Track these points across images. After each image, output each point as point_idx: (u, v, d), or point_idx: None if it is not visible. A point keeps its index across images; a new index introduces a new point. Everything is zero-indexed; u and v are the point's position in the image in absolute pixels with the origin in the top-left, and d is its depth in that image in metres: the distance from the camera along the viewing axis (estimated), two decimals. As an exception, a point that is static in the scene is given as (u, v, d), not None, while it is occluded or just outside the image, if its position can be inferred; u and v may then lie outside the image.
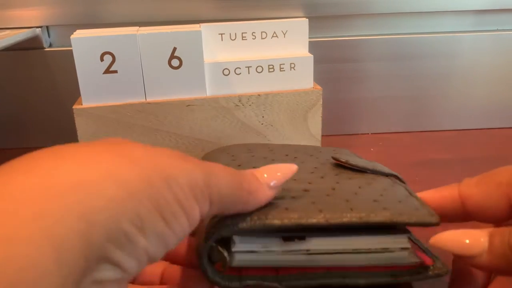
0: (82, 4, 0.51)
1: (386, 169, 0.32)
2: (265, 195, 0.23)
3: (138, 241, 0.17)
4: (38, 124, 0.54)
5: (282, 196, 0.25)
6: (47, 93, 0.53)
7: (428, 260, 0.25)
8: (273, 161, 0.33)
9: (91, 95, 0.42)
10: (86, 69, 0.42)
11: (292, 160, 0.34)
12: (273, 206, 0.24)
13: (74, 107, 0.42)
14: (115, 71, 0.42)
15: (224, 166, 0.21)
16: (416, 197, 0.27)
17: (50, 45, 0.53)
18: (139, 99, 0.43)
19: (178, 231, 0.18)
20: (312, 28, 0.52)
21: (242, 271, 0.25)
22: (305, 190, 0.27)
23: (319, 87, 0.45)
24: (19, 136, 0.55)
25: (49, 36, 0.53)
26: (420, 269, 0.26)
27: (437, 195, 0.27)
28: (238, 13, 0.52)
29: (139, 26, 0.45)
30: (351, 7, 0.53)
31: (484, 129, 0.57)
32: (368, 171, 0.31)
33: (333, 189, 0.27)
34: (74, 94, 0.44)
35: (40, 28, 0.51)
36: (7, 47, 0.45)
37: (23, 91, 0.53)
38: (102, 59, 0.42)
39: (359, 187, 0.28)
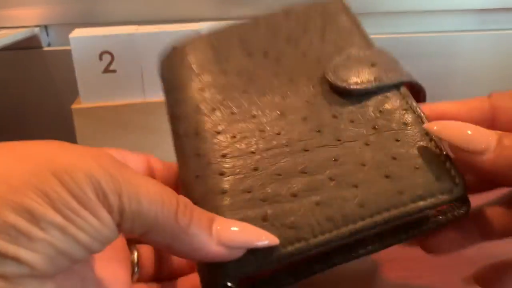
0: (80, 3, 0.50)
1: (393, 72, 0.26)
2: (206, 247, 0.20)
3: (33, 234, 0.16)
4: (36, 124, 0.54)
5: (274, 193, 0.22)
6: (45, 93, 0.53)
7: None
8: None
9: (89, 95, 0.42)
10: (85, 69, 0.41)
11: (279, 84, 0.27)
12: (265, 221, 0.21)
13: (72, 106, 0.42)
14: (114, 71, 0.42)
15: (160, 185, 0.20)
16: (438, 149, 0.22)
17: (49, 45, 0.53)
18: (138, 99, 0.43)
19: (87, 229, 0.18)
20: (312, 27, 0.52)
21: (254, 280, 0.23)
22: (303, 172, 0.22)
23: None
24: (18, 136, 0.54)
25: (47, 35, 0.52)
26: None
27: (464, 108, 0.24)
28: (238, 12, 0.51)
29: (138, 25, 0.44)
30: (352, 6, 0.52)
31: (486, 129, 0.57)
32: (372, 91, 0.25)
33: (335, 160, 0.23)
34: (73, 93, 0.44)
35: (38, 28, 0.51)
36: (6, 46, 0.45)
37: (21, 90, 0.53)
38: (101, 59, 0.42)
39: (366, 145, 0.23)
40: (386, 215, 0.21)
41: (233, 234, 0.20)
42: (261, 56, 0.29)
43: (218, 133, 0.25)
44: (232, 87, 0.27)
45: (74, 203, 0.17)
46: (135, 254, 0.25)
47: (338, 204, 0.21)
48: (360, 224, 0.21)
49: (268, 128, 0.25)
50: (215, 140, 0.25)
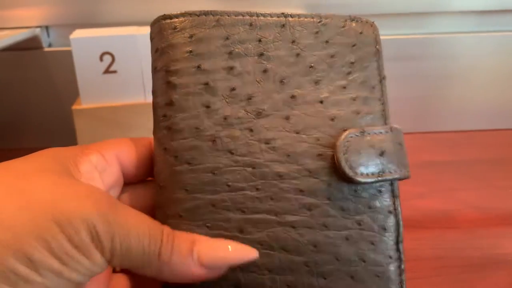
0: (81, 4, 0.50)
1: (396, 167, 0.25)
2: (190, 271, 0.21)
3: (31, 279, 0.18)
4: (37, 125, 0.54)
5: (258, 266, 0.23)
6: (46, 93, 0.53)
7: None
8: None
9: (90, 96, 0.42)
10: (86, 69, 0.41)
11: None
12: None
13: (73, 107, 0.42)
14: (115, 71, 0.42)
15: (148, 221, 0.21)
16: (400, 261, 0.24)
17: (50, 45, 0.53)
18: (138, 100, 0.43)
19: (81, 269, 0.19)
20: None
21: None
22: (284, 250, 0.23)
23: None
24: (18, 137, 0.55)
25: (48, 36, 0.52)
26: None
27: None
28: (239, 13, 0.51)
29: (139, 26, 0.44)
30: (353, 8, 0.52)
31: (486, 130, 0.57)
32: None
33: (315, 247, 0.23)
34: (73, 94, 0.44)
35: (39, 28, 0.51)
36: (6, 47, 0.45)
37: (22, 91, 0.53)
38: (101, 59, 0.42)
39: (346, 239, 0.24)
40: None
41: (213, 255, 0.21)
42: (276, 80, 0.25)
43: (213, 173, 0.24)
44: (238, 119, 0.24)
45: (71, 248, 0.18)
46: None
47: None
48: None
49: (262, 187, 0.24)
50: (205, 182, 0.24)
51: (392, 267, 0.24)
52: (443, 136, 0.56)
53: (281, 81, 0.25)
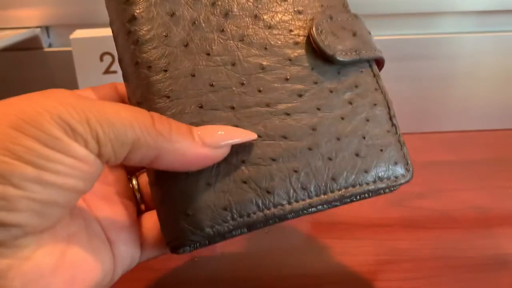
0: (81, 4, 0.50)
1: (369, 45, 0.26)
2: (193, 149, 0.20)
3: (8, 194, 0.16)
4: (37, 125, 0.54)
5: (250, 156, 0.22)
6: (46, 94, 0.53)
7: None
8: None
9: (90, 96, 0.42)
10: (86, 70, 0.41)
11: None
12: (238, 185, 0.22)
13: (73, 107, 0.42)
14: (115, 72, 0.42)
15: (129, 106, 0.19)
16: (398, 134, 0.25)
17: (50, 45, 0.53)
18: (139, 100, 0.43)
19: (65, 170, 0.17)
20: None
21: None
22: (283, 137, 0.23)
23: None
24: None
25: (48, 36, 0.52)
26: None
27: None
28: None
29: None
30: (353, 8, 0.52)
31: (487, 130, 0.57)
32: (351, 63, 0.25)
33: (314, 129, 0.23)
34: (74, 94, 0.44)
35: (39, 28, 0.51)
36: (7, 47, 0.45)
37: (22, 91, 0.52)
38: (101, 59, 0.42)
39: (342, 118, 0.24)
40: (351, 190, 0.23)
41: (214, 134, 0.21)
42: None
43: (193, 75, 0.23)
44: (207, 22, 0.24)
45: (42, 149, 0.17)
46: (134, 181, 0.26)
47: (313, 174, 0.23)
48: (330, 195, 0.23)
49: (248, 81, 0.24)
50: (187, 85, 0.23)
51: (392, 140, 0.24)
52: (443, 136, 0.56)
53: None
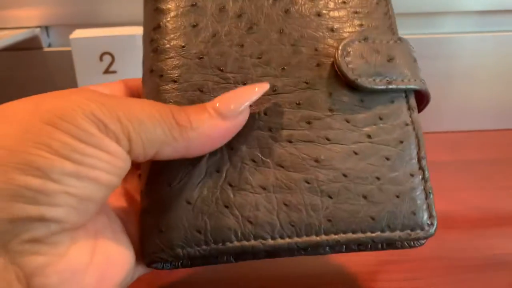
0: (81, 4, 0.50)
1: (407, 74, 0.23)
2: (216, 126, 0.19)
3: (48, 189, 0.16)
4: (37, 125, 0.54)
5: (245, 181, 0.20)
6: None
7: None
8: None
9: (90, 96, 0.42)
10: (86, 70, 0.41)
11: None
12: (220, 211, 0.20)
13: (73, 107, 0.42)
14: (115, 72, 0.42)
15: (147, 100, 0.20)
16: (424, 180, 0.21)
17: (49, 45, 0.53)
18: (138, 100, 0.43)
19: (101, 165, 0.17)
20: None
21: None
22: (279, 166, 0.21)
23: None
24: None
25: (48, 36, 0.52)
26: None
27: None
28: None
29: (139, 26, 0.44)
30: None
31: (486, 130, 0.57)
32: (379, 89, 0.22)
33: (317, 161, 0.21)
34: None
35: (39, 28, 0.51)
36: (6, 47, 0.44)
37: (22, 91, 0.52)
38: (101, 59, 0.41)
39: (355, 153, 0.21)
40: (350, 236, 0.20)
41: (230, 103, 0.20)
42: None
43: (201, 91, 0.22)
44: (227, 36, 0.23)
45: (78, 144, 0.17)
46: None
47: (307, 211, 0.20)
48: (322, 238, 0.20)
49: (255, 103, 0.22)
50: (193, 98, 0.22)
51: (415, 185, 0.21)
52: (443, 136, 0.56)
53: None
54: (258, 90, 0.20)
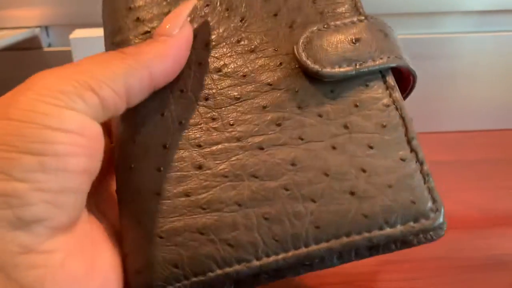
0: (81, 4, 0.50)
1: (380, 53, 0.20)
2: (166, 44, 0.20)
3: (14, 190, 0.16)
4: (37, 125, 0.54)
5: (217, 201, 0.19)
6: (46, 94, 0.52)
7: None
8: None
9: (90, 96, 0.42)
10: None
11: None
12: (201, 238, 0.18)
13: (72, 107, 0.42)
14: (114, 71, 0.42)
15: (95, 55, 0.19)
16: (419, 163, 0.19)
17: (49, 45, 0.53)
18: (138, 100, 0.43)
19: (63, 150, 0.17)
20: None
21: None
22: (253, 176, 0.19)
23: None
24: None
25: (48, 36, 0.52)
26: None
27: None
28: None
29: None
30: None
31: (487, 130, 0.57)
32: (349, 77, 0.20)
33: (293, 165, 0.19)
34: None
35: (39, 28, 0.51)
36: (6, 47, 0.44)
37: (22, 91, 0.52)
38: (101, 59, 0.41)
39: (333, 148, 0.19)
40: (344, 240, 0.18)
41: (167, 25, 0.20)
42: (223, 9, 0.23)
43: (162, 114, 0.21)
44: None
45: (34, 132, 0.16)
46: None
47: (290, 221, 0.18)
48: (313, 248, 0.18)
49: (219, 116, 0.21)
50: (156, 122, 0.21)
51: (409, 171, 0.19)
52: (443, 136, 0.56)
53: (227, 9, 0.22)
54: (188, 4, 0.21)
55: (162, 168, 0.20)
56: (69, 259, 0.17)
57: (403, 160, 0.19)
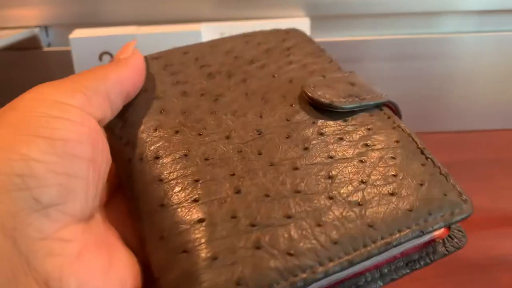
0: (81, 3, 0.50)
1: (374, 92, 0.25)
2: (131, 63, 0.23)
3: (32, 169, 0.16)
4: (36, 125, 0.54)
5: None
6: (45, 94, 0.52)
7: (441, 233, 0.22)
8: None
9: (89, 96, 0.42)
10: (85, 69, 0.41)
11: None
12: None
13: (72, 107, 0.42)
14: (114, 71, 0.42)
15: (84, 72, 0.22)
16: (437, 167, 0.22)
17: (49, 45, 0.53)
18: (138, 100, 0.43)
19: (69, 136, 0.18)
20: (313, 28, 0.51)
21: None
22: (296, 192, 0.20)
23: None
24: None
25: (47, 36, 0.52)
26: (432, 246, 0.22)
27: None
28: (239, 12, 0.51)
29: (139, 26, 0.44)
30: (353, 7, 0.52)
31: (487, 130, 0.57)
32: (356, 109, 0.24)
33: (330, 178, 0.21)
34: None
35: (38, 28, 0.51)
36: (5, 47, 0.44)
37: (21, 91, 0.52)
38: (101, 59, 0.41)
39: (361, 162, 0.21)
40: (397, 235, 0.19)
41: (120, 54, 0.24)
42: (224, 77, 0.26)
43: (185, 155, 0.22)
44: (197, 108, 0.24)
45: (47, 119, 0.18)
46: None
47: (343, 225, 0.19)
48: (372, 247, 0.18)
49: (247, 149, 0.22)
50: (179, 165, 0.21)
51: (432, 171, 0.21)
52: (443, 136, 0.56)
53: (229, 76, 0.26)
54: (131, 43, 0.25)
55: (200, 200, 0.20)
56: (85, 252, 0.18)
57: (423, 165, 0.21)
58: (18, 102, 0.19)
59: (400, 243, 0.19)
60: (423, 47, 0.54)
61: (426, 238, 0.21)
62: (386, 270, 0.21)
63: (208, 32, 0.44)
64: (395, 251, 0.21)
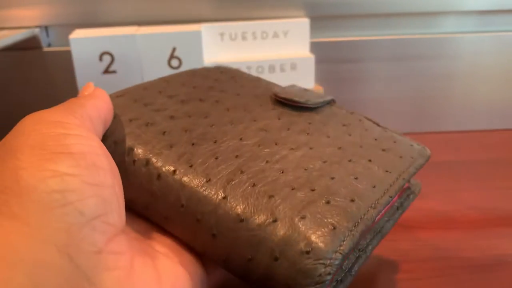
0: (81, 4, 0.50)
1: (319, 95, 0.30)
2: (92, 98, 0.24)
3: (68, 183, 0.16)
4: (36, 125, 0.54)
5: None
6: (45, 94, 0.52)
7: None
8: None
9: (89, 96, 0.42)
10: (85, 69, 0.41)
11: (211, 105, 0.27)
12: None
13: (72, 107, 0.42)
14: (114, 71, 0.42)
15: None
16: (385, 128, 0.29)
17: (49, 45, 0.53)
18: (138, 100, 0.43)
19: (86, 149, 0.18)
20: (313, 29, 0.51)
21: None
22: (324, 162, 0.24)
23: (320, 87, 0.45)
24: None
25: (47, 36, 0.52)
26: (408, 191, 0.28)
27: None
28: (239, 12, 0.51)
29: (139, 26, 0.44)
30: (353, 8, 0.52)
31: (487, 130, 0.57)
32: (311, 105, 0.29)
33: (339, 148, 0.26)
34: (73, 94, 0.44)
35: (38, 28, 0.51)
36: (6, 47, 0.44)
37: (21, 91, 0.53)
38: (101, 59, 0.41)
39: (349, 135, 0.27)
40: (406, 175, 0.25)
41: (83, 91, 0.25)
42: (198, 102, 0.27)
43: (216, 158, 0.23)
44: (195, 126, 0.25)
45: (64, 136, 0.18)
46: None
47: (372, 175, 0.24)
48: (394, 185, 0.24)
49: (266, 142, 0.25)
50: (224, 165, 0.23)
51: (393, 135, 0.29)
52: (443, 136, 0.56)
53: (201, 100, 0.28)
54: (90, 82, 0.26)
55: (243, 219, 0.20)
56: (135, 263, 0.17)
57: (385, 131, 0.29)
58: (21, 127, 0.19)
59: (410, 176, 0.25)
60: (423, 47, 0.54)
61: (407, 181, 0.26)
62: (388, 215, 0.26)
63: (208, 32, 0.44)
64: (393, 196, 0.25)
